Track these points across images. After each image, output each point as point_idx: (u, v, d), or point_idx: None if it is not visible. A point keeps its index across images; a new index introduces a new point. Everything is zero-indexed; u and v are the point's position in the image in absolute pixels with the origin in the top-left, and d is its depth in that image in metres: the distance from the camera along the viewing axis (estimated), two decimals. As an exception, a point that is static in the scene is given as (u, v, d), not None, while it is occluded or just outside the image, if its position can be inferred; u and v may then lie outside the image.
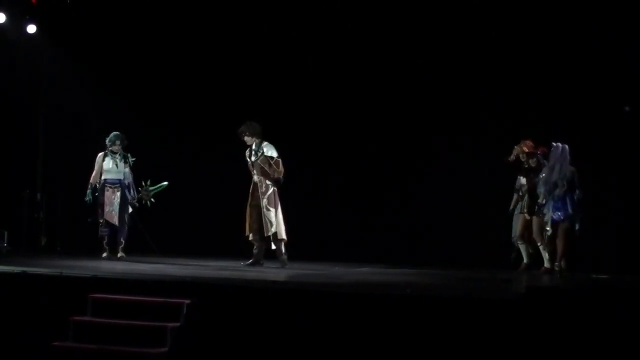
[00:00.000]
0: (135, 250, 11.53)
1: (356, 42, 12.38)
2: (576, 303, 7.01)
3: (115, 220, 11.18)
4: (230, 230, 11.69)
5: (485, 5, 11.81)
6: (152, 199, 11.56)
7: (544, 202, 10.48)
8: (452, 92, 12.08)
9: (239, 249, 11.49)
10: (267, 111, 11.83)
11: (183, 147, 12.98)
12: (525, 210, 10.81)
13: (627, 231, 11.13)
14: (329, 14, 12.37)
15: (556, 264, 10.28)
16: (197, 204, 12.68)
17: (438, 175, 11.93)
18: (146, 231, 11.63)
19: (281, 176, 10.47)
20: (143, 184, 11.54)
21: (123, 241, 11.24)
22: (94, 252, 11.26)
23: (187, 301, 7.61)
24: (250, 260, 10.45)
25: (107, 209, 11.19)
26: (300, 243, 10.74)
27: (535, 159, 10.80)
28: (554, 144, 10.62)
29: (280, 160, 10.51)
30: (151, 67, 13.13)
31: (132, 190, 11.40)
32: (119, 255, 11.13)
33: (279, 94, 12.53)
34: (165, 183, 11.67)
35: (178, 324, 7.52)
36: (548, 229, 10.48)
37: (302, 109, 12.41)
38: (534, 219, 10.62)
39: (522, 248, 10.90)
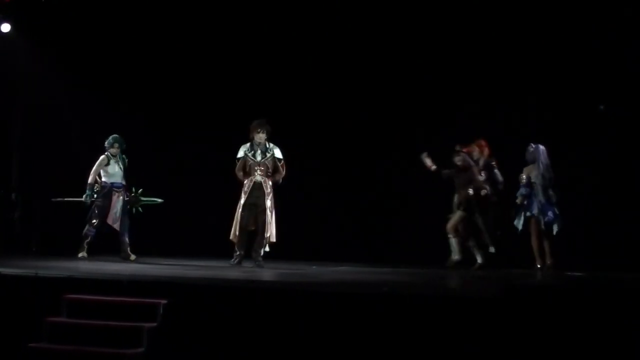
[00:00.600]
0: (111, 250, 11.47)
1: (345, 46, 12.39)
2: (554, 301, 7.04)
3: (117, 225, 11.14)
4: (206, 230, 11.69)
5: (456, 7, 11.87)
6: (140, 209, 11.45)
7: (524, 203, 10.65)
8: (436, 94, 12.09)
9: (216, 249, 11.48)
10: (251, 109, 11.83)
11: (161, 146, 12.93)
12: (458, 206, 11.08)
13: (601, 229, 11.19)
14: (316, 20, 12.38)
15: (549, 260, 10.55)
16: (173, 204, 12.59)
17: (418, 175, 11.91)
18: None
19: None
20: (133, 190, 11.43)
21: (128, 242, 11.16)
22: (69, 253, 11.19)
23: (164, 301, 7.56)
24: (237, 259, 10.38)
25: (111, 212, 11.11)
26: (279, 242, 10.70)
27: (460, 157, 11.03)
28: (532, 145, 10.74)
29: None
30: (130, 64, 13.08)
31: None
32: (132, 257, 11.02)
33: (263, 92, 12.49)
34: (160, 200, 11.53)
35: (155, 324, 7.48)
36: (520, 227, 10.69)
37: (284, 106, 12.37)
38: (458, 212, 10.97)
39: (454, 242, 11.06)
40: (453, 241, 11.01)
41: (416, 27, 12.10)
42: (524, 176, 10.73)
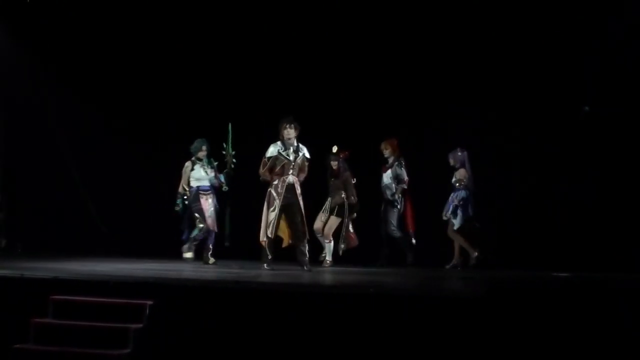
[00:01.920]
0: (97, 250, 11.47)
1: (328, 54, 12.36)
2: (538, 301, 7.08)
3: (214, 227, 11.21)
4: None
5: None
6: (233, 151, 11.24)
7: (460, 203, 11.04)
8: (411, 97, 12.12)
9: (201, 250, 11.46)
10: (234, 109, 11.84)
11: (145, 145, 12.92)
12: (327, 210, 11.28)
13: (584, 229, 11.25)
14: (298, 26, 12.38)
15: (456, 259, 11.09)
16: (158, 204, 12.56)
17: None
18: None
19: None
20: (223, 152, 11.29)
21: (212, 247, 11.22)
22: (54, 253, 11.16)
23: (150, 302, 7.57)
24: (270, 262, 10.07)
25: (206, 215, 11.13)
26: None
27: (336, 162, 11.26)
28: (460, 149, 11.05)
29: None
30: (114, 62, 13.05)
31: (219, 179, 11.25)
32: (211, 262, 11.06)
33: (246, 93, 12.50)
34: (229, 126, 11.27)
35: (141, 325, 7.48)
36: (458, 226, 11.11)
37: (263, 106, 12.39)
38: (333, 218, 11.17)
39: (329, 246, 11.23)
40: (329, 245, 11.18)
41: (396, 30, 12.13)
42: (462, 179, 10.99)
